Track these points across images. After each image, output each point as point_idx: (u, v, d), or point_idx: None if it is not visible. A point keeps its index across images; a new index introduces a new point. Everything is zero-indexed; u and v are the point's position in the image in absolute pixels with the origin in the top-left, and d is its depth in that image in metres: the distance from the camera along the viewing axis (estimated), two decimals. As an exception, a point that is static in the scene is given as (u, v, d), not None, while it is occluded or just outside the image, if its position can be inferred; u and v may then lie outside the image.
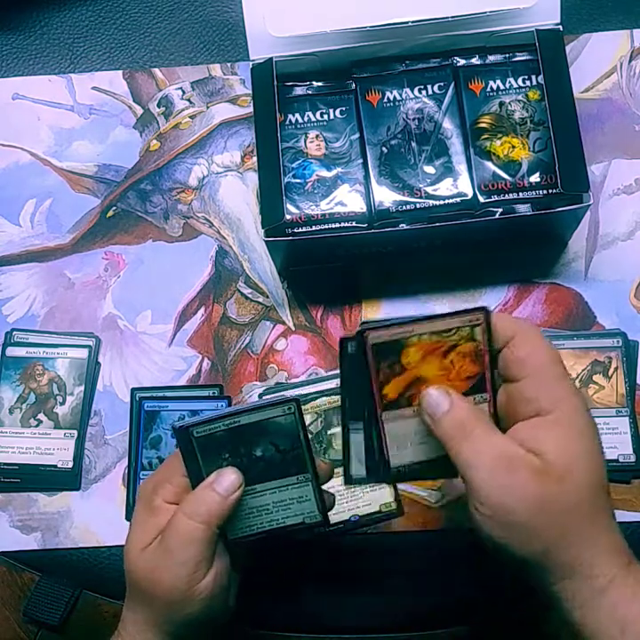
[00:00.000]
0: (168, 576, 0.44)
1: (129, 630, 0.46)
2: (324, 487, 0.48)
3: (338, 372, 0.60)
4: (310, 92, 0.60)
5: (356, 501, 0.57)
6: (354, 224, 0.56)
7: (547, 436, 0.39)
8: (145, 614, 0.46)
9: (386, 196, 0.56)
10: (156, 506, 0.46)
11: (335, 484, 0.57)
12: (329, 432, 0.58)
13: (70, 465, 0.59)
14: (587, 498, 0.39)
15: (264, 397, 0.59)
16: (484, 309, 0.41)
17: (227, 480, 0.45)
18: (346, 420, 0.45)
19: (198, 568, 0.44)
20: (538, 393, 0.40)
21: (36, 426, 0.60)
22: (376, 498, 0.57)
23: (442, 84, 0.58)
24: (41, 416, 0.60)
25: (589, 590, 0.38)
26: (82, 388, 0.60)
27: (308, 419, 0.58)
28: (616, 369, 0.58)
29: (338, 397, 0.58)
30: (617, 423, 0.57)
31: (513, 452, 0.39)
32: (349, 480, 0.45)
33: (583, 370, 0.58)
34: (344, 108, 0.59)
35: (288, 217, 0.56)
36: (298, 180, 0.58)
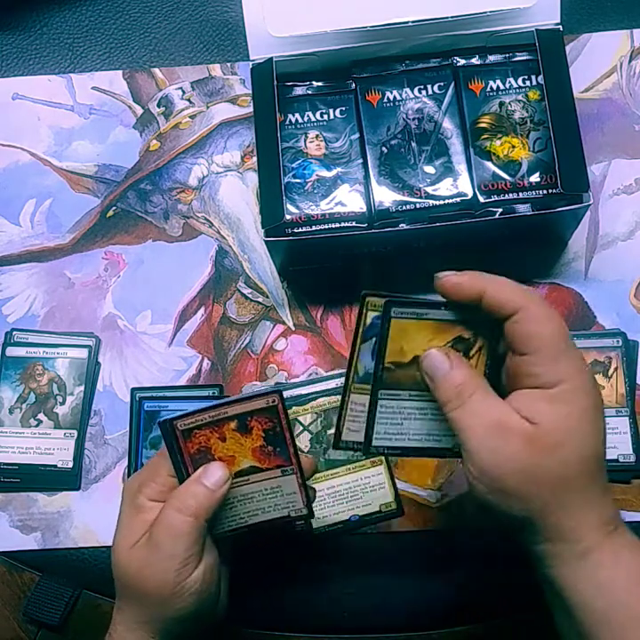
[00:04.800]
0: (157, 571, 0.44)
1: (119, 631, 0.46)
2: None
3: (337, 372, 0.60)
4: (310, 92, 0.60)
5: (355, 501, 0.57)
6: (354, 224, 0.56)
7: (545, 408, 0.40)
8: (134, 613, 0.46)
9: (386, 195, 0.56)
10: (140, 504, 0.46)
11: (335, 484, 0.57)
12: (329, 432, 0.58)
13: (70, 465, 0.59)
14: (576, 471, 0.40)
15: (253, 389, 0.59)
16: (277, 392, 0.44)
17: (215, 474, 0.45)
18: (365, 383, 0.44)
19: (187, 562, 0.44)
20: (542, 369, 0.40)
21: (36, 426, 0.60)
22: (376, 498, 0.57)
23: (442, 84, 0.58)
24: (41, 416, 0.60)
25: (570, 554, 0.40)
26: (82, 387, 0.60)
27: (307, 419, 0.58)
28: (616, 369, 0.58)
29: (337, 397, 0.58)
30: (617, 423, 0.57)
31: (508, 417, 0.40)
32: (337, 444, 0.45)
33: None
34: (344, 108, 0.59)
35: (288, 217, 0.56)
36: (298, 180, 0.58)
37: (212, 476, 0.45)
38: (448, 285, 0.42)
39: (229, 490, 0.46)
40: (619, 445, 0.56)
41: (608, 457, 0.55)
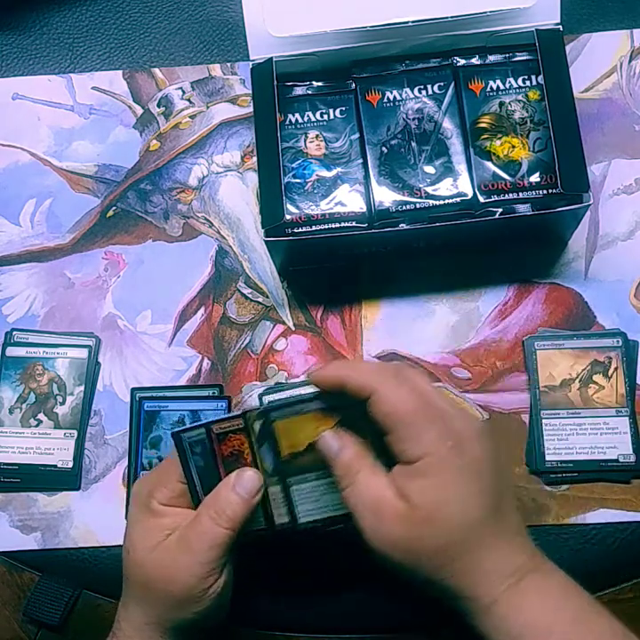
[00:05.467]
0: (184, 575, 0.44)
1: (125, 629, 0.46)
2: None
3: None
4: (310, 92, 0.60)
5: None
6: (354, 224, 0.56)
7: (412, 483, 0.41)
8: (145, 612, 0.46)
9: (386, 195, 0.56)
10: (154, 508, 0.46)
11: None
12: (329, 432, 0.58)
13: (70, 465, 0.59)
14: (456, 538, 0.41)
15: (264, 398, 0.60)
16: (241, 416, 0.46)
17: (248, 481, 0.45)
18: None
19: (215, 570, 0.45)
20: (402, 446, 0.42)
21: (36, 426, 0.60)
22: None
23: (442, 83, 0.58)
24: (41, 416, 0.60)
25: (476, 609, 0.41)
26: (82, 387, 0.60)
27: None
28: (616, 369, 0.58)
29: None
30: (617, 423, 0.57)
31: (382, 496, 0.42)
32: (273, 530, 0.48)
33: (583, 370, 0.58)
34: (344, 108, 0.59)
35: (288, 217, 0.56)
36: (298, 180, 0.58)
37: (247, 483, 0.45)
38: (315, 379, 0.45)
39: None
40: (619, 445, 0.56)
41: (608, 457, 0.56)
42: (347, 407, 0.45)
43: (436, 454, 0.41)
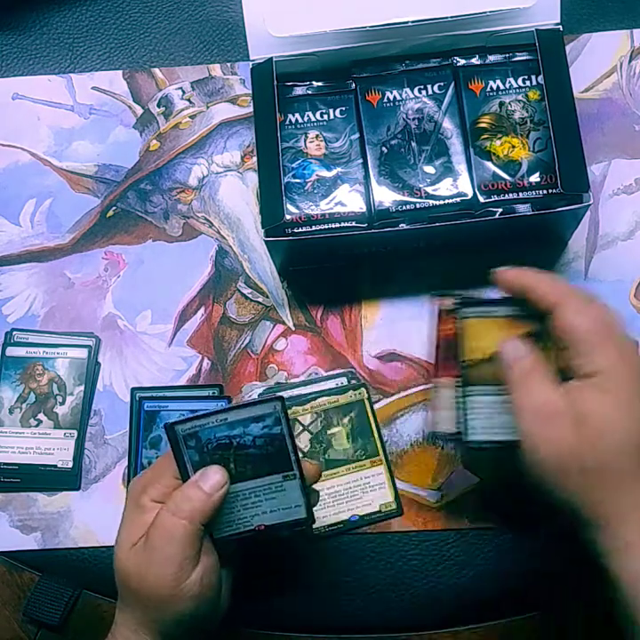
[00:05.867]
0: (153, 573, 0.44)
1: (121, 631, 0.46)
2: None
3: (337, 371, 0.60)
4: (310, 92, 0.60)
5: (355, 501, 0.57)
6: (354, 224, 0.56)
7: (588, 397, 0.42)
8: (135, 614, 0.46)
9: (386, 195, 0.56)
10: (143, 504, 0.46)
11: (335, 484, 0.57)
12: (329, 432, 0.58)
13: (70, 465, 0.59)
14: (621, 461, 0.41)
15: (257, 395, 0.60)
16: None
17: (212, 478, 0.45)
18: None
19: (183, 565, 0.44)
20: (582, 360, 0.42)
21: (36, 426, 0.60)
22: (376, 498, 0.57)
23: (442, 83, 0.58)
24: (41, 416, 0.60)
25: (615, 545, 0.40)
26: (82, 387, 0.60)
27: (307, 418, 0.58)
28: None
29: (337, 397, 0.58)
30: None
31: (555, 405, 0.42)
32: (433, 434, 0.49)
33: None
34: (344, 108, 0.59)
35: (288, 217, 0.56)
36: (298, 180, 0.58)
37: (210, 479, 0.45)
38: (497, 279, 0.47)
39: (230, 494, 0.46)
40: None
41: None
42: (537, 317, 0.45)
43: (615, 372, 0.42)
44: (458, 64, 0.59)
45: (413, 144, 0.57)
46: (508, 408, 0.45)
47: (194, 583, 0.44)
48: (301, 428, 0.58)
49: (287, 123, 0.59)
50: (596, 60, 0.65)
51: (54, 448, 0.59)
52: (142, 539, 0.45)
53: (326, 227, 0.56)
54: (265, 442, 0.46)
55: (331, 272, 0.62)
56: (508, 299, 0.47)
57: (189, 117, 0.66)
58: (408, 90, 0.58)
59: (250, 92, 0.64)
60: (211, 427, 0.45)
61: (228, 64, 0.67)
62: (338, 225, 0.57)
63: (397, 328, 0.61)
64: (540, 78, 0.57)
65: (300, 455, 0.55)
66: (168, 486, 0.46)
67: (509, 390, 0.44)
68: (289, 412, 0.57)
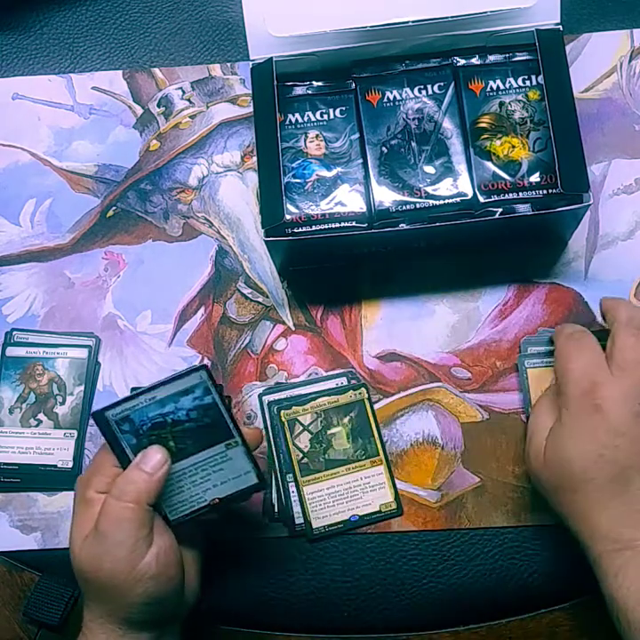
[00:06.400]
0: (108, 560, 0.45)
1: (89, 626, 0.47)
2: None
3: (337, 371, 0.60)
4: (310, 92, 0.59)
5: (356, 501, 0.57)
6: (354, 224, 0.56)
7: (555, 432, 0.49)
8: (99, 606, 0.46)
9: (386, 195, 0.56)
10: (89, 497, 0.47)
11: (335, 484, 0.57)
12: (329, 432, 0.58)
13: (70, 465, 0.59)
14: (569, 485, 0.47)
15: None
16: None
17: (152, 458, 0.46)
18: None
19: (136, 548, 0.45)
20: (559, 391, 0.51)
21: (36, 426, 0.60)
22: (376, 498, 0.57)
23: (442, 83, 0.58)
24: (41, 416, 0.60)
25: (589, 555, 0.46)
26: (82, 387, 0.60)
27: (307, 418, 0.58)
28: None
29: (337, 397, 0.58)
30: None
31: (546, 426, 0.50)
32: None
33: None
34: (344, 108, 0.59)
35: (288, 217, 0.56)
36: (298, 180, 0.58)
37: (150, 460, 0.46)
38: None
39: (177, 474, 0.46)
40: None
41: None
42: None
43: (575, 411, 0.48)
44: (458, 64, 0.59)
45: (413, 144, 0.57)
46: None
47: (149, 564, 0.45)
48: (301, 427, 0.58)
49: (287, 123, 0.59)
50: (596, 60, 0.65)
51: (54, 448, 0.59)
52: (93, 530, 0.45)
53: (326, 227, 0.56)
54: (199, 414, 0.46)
55: (331, 272, 0.62)
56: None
57: (189, 117, 0.66)
58: (408, 90, 0.58)
59: (250, 91, 0.64)
60: (141, 407, 0.46)
61: (228, 64, 0.67)
62: (338, 225, 0.56)
63: (397, 328, 0.61)
64: (540, 78, 0.57)
65: (300, 455, 0.55)
66: (110, 476, 0.47)
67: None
68: (289, 411, 0.57)
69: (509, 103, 0.58)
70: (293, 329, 0.62)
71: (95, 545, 0.45)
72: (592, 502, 0.46)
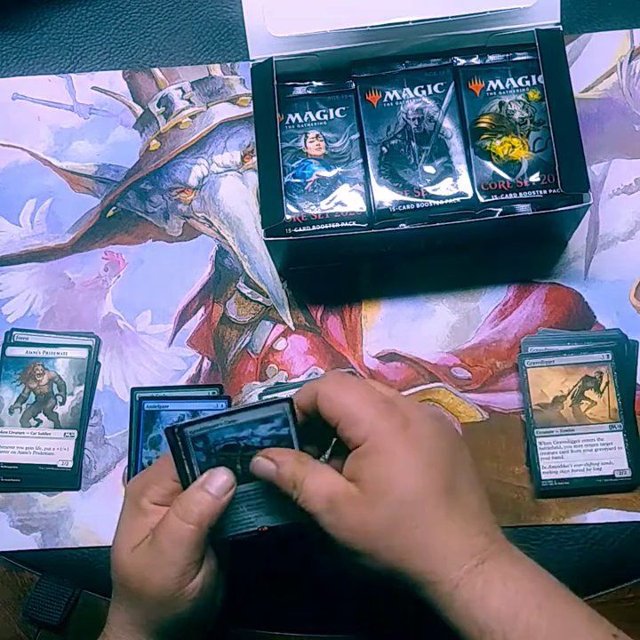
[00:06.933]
0: (158, 575, 0.44)
1: (114, 631, 0.46)
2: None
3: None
4: (310, 92, 0.60)
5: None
6: (354, 224, 0.56)
7: (360, 463, 0.42)
8: (131, 614, 0.46)
9: (386, 195, 0.56)
10: (142, 506, 0.46)
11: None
12: (329, 432, 0.58)
13: (70, 465, 0.59)
14: (408, 513, 0.41)
15: (263, 398, 0.60)
16: (288, 401, 0.45)
17: (219, 480, 0.45)
18: None
19: (188, 568, 0.44)
20: (349, 432, 0.43)
21: (36, 426, 0.60)
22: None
23: (442, 83, 0.58)
24: (41, 416, 0.60)
25: (440, 595, 0.40)
26: (82, 387, 0.60)
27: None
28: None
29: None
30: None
31: (333, 487, 0.42)
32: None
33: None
34: (344, 108, 0.59)
35: (288, 217, 0.56)
36: (298, 180, 0.58)
37: (216, 481, 0.45)
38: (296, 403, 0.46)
39: (235, 496, 0.46)
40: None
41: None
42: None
43: (381, 430, 0.42)
44: (458, 64, 0.59)
45: (413, 144, 0.57)
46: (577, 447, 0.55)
47: (196, 587, 0.45)
48: (301, 427, 0.58)
49: (287, 123, 0.59)
50: (596, 60, 0.65)
51: (54, 448, 0.59)
52: (146, 540, 0.45)
53: (326, 227, 0.56)
54: (272, 443, 0.46)
55: (331, 272, 0.62)
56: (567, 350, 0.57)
57: (189, 117, 0.66)
58: (408, 90, 0.58)
59: (250, 91, 0.64)
60: (220, 428, 0.45)
61: (228, 64, 0.67)
62: (338, 225, 0.57)
63: (397, 328, 0.61)
64: (540, 78, 0.57)
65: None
66: (167, 489, 0.46)
67: (291, 497, 0.43)
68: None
69: (509, 103, 0.58)
70: (293, 329, 0.62)
71: (147, 558, 0.45)
72: (433, 523, 0.41)
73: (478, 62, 0.59)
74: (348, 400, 0.43)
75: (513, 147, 0.57)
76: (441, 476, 0.42)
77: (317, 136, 0.59)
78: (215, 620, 0.49)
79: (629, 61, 0.64)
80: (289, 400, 0.45)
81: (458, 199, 0.56)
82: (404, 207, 0.56)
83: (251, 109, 0.58)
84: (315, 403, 0.44)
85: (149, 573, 0.44)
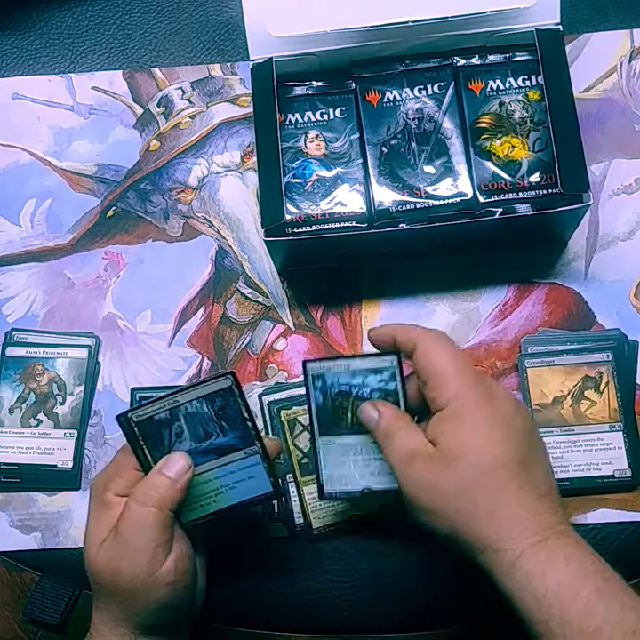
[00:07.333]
0: (127, 565, 0.44)
1: (100, 629, 0.46)
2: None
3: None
4: (310, 92, 0.60)
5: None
6: (354, 224, 0.56)
7: (442, 427, 0.44)
8: (111, 611, 0.46)
9: (386, 195, 0.56)
10: (107, 500, 0.46)
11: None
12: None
13: (70, 465, 0.59)
14: (481, 480, 0.42)
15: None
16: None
17: (176, 464, 0.46)
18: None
19: (156, 553, 0.44)
20: (436, 393, 0.45)
21: (36, 426, 0.60)
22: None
23: (442, 83, 0.58)
24: (41, 416, 0.60)
25: (501, 563, 0.41)
26: (82, 387, 0.60)
27: (306, 418, 0.58)
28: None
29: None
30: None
31: (416, 445, 0.45)
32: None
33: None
34: (344, 108, 0.59)
35: (288, 217, 0.56)
36: (298, 180, 0.58)
37: (174, 465, 0.46)
38: (371, 336, 0.50)
39: (193, 477, 0.46)
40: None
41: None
42: None
43: (466, 398, 0.44)
44: (458, 64, 0.59)
45: (413, 144, 0.57)
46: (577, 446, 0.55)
47: (168, 570, 0.45)
48: (301, 428, 0.58)
49: (287, 123, 0.59)
50: (596, 60, 0.65)
51: (54, 448, 0.59)
52: (111, 533, 0.45)
53: (326, 227, 0.56)
54: (380, 396, 0.48)
55: (331, 272, 0.62)
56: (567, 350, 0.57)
57: (189, 117, 0.66)
58: (408, 90, 0.58)
59: (250, 91, 0.64)
60: (336, 371, 0.47)
61: (228, 64, 0.67)
62: (338, 225, 0.57)
63: (397, 328, 0.61)
64: (540, 78, 0.57)
65: (300, 455, 0.56)
66: (129, 479, 0.47)
67: (381, 448, 0.46)
68: (289, 411, 0.57)
69: (509, 103, 0.58)
70: (293, 329, 0.62)
71: (114, 549, 0.45)
72: (504, 494, 0.42)
73: (478, 62, 0.59)
74: (443, 363, 0.45)
75: (513, 147, 0.57)
76: (517, 451, 0.43)
77: (317, 136, 0.59)
78: (213, 620, 0.49)
79: (629, 61, 0.64)
80: (397, 354, 0.47)
81: (458, 199, 0.56)
82: (403, 207, 0.56)
83: (251, 109, 0.58)
84: (410, 350, 0.47)
85: (118, 565, 0.45)
